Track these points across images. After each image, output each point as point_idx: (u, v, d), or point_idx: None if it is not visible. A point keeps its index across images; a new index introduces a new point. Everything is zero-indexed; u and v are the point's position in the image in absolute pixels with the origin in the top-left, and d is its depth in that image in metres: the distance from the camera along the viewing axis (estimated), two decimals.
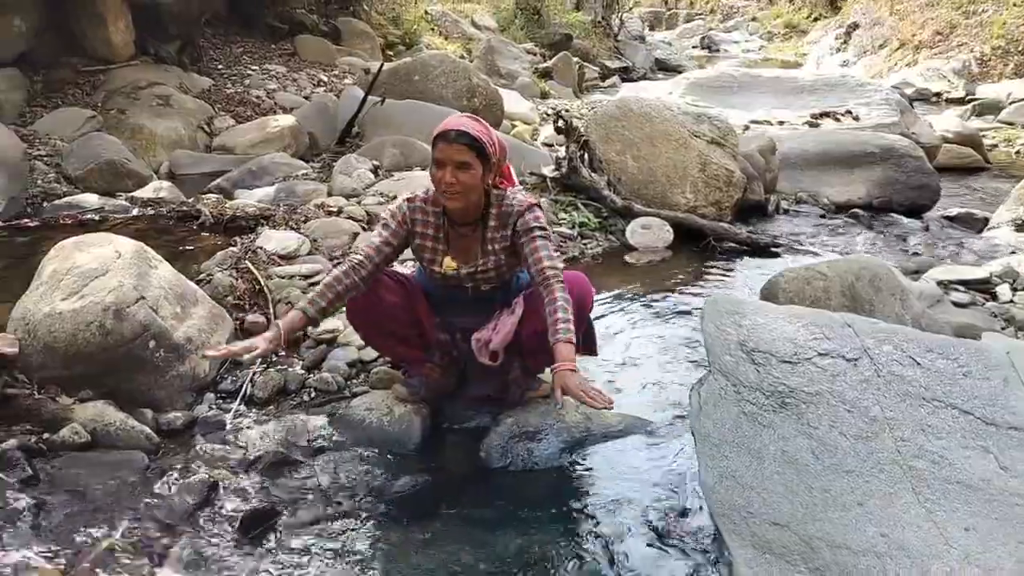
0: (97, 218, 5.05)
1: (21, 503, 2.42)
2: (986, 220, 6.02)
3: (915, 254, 5.34)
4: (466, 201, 2.67)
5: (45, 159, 6.16)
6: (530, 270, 2.69)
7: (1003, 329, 3.87)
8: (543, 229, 2.72)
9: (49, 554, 2.24)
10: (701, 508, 2.49)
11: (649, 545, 2.40)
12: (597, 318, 3.61)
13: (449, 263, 2.79)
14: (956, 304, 4.17)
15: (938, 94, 14.25)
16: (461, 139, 2.57)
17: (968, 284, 4.44)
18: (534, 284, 2.69)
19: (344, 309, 3.06)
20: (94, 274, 3.02)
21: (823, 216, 6.19)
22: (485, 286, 2.85)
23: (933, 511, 1.96)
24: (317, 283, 3.93)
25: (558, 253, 2.73)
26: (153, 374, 3.01)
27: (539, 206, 2.80)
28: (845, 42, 20.11)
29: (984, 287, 4.43)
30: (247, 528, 2.38)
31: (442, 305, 2.94)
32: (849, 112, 8.98)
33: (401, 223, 2.80)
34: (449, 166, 2.58)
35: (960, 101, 13.17)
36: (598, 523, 2.52)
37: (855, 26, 20.09)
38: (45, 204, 5.42)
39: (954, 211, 6.34)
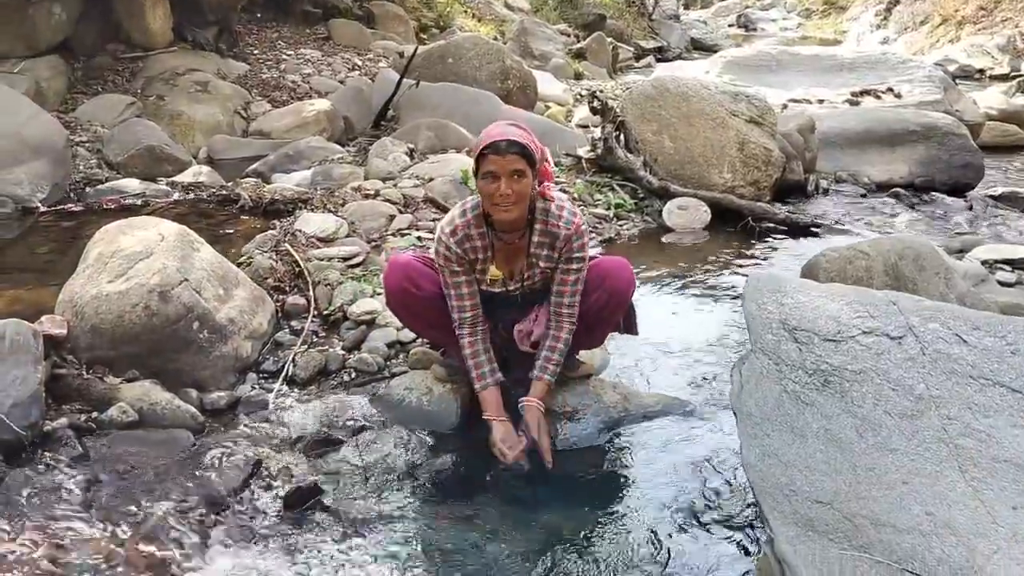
0: (139, 203, 5.13)
1: (72, 480, 2.48)
2: None
3: (959, 233, 5.25)
4: (521, 211, 2.59)
5: (87, 145, 6.27)
6: (552, 296, 2.76)
7: None
8: (581, 261, 2.70)
9: (100, 529, 2.29)
10: (742, 487, 2.49)
11: (689, 523, 2.41)
12: (635, 299, 3.59)
13: (495, 272, 2.75)
14: (1001, 283, 4.09)
15: (982, 71, 13.94)
16: (512, 148, 2.48)
17: (1014, 263, 4.35)
18: (550, 310, 2.79)
19: (383, 293, 3.07)
20: (139, 257, 3.07)
21: (864, 195, 6.09)
22: (531, 294, 2.84)
23: (980, 489, 1.93)
24: (356, 265, 3.99)
25: (574, 292, 2.76)
26: (197, 354, 3.06)
27: (587, 232, 2.76)
28: (886, 18, 19.71)
29: None
30: (291, 505, 2.42)
31: (486, 306, 2.85)
32: (890, 90, 8.81)
33: (459, 261, 2.70)
34: (504, 177, 2.48)
35: (1005, 77, 12.87)
36: (638, 501, 2.52)
37: (896, 2, 19.68)
38: (88, 189, 5.51)
39: (999, 190, 6.21)
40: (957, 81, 10.63)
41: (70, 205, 5.15)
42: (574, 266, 2.69)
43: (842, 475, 2.03)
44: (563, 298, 2.72)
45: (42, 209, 5.02)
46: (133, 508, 2.37)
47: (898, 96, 8.63)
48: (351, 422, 2.92)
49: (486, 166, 2.50)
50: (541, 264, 2.74)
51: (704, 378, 3.28)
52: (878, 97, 8.71)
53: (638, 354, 3.43)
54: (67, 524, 2.29)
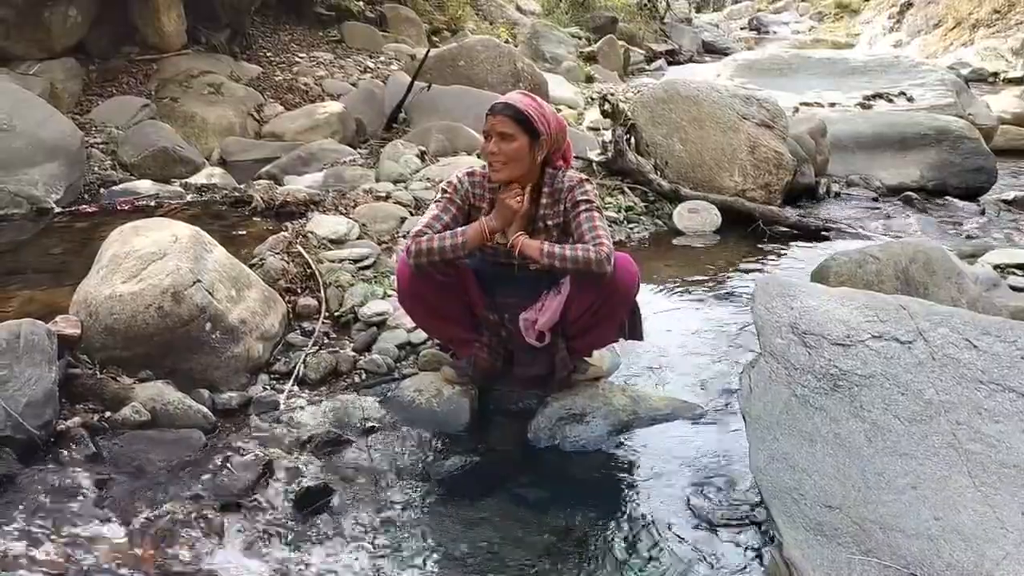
0: (152, 204, 5.16)
1: (86, 479, 2.51)
2: None
3: (971, 237, 5.23)
4: (509, 174, 2.71)
5: (101, 147, 6.32)
6: (575, 241, 2.73)
7: None
8: (589, 202, 2.75)
9: (112, 528, 2.31)
10: (750, 490, 2.49)
11: (697, 527, 2.41)
12: (644, 302, 3.60)
13: (500, 238, 2.81)
14: (1014, 288, 4.07)
15: (995, 74, 13.86)
16: (506, 111, 2.67)
17: None
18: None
19: (395, 292, 3.09)
20: (152, 258, 3.10)
21: (875, 199, 6.08)
22: (533, 264, 2.86)
23: (989, 495, 1.94)
24: (367, 267, 4.02)
25: (604, 224, 2.73)
26: (209, 355, 3.08)
27: (589, 181, 2.84)
28: (898, 22, 19.63)
29: None
30: (302, 505, 2.44)
31: (490, 283, 2.97)
32: (903, 93, 8.78)
33: (461, 195, 2.85)
34: (494, 136, 2.68)
35: (1019, 81, 12.81)
36: (646, 504, 2.52)
37: (909, 5, 19.59)
38: (102, 190, 5.55)
39: (1012, 194, 6.18)
40: (970, 84, 10.57)
41: (84, 206, 5.19)
42: (583, 206, 2.74)
43: (851, 479, 2.04)
44: (583, 238, 2.70)
45: (57, 210, 5.07)
46: (145, 507, 2.38)
47: (910, 100, 8.60)
48: (361, 423, 2.93)
49: (484, 125, 2.72)
50: (549, 223, 2.81)
51: (714, 381, 3.28)
52: (890, 101, 8.68)
53: (648, 357, 3.44)
54: (80, 523, 2.32)
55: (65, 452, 2.62)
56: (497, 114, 2.68)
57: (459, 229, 2.73)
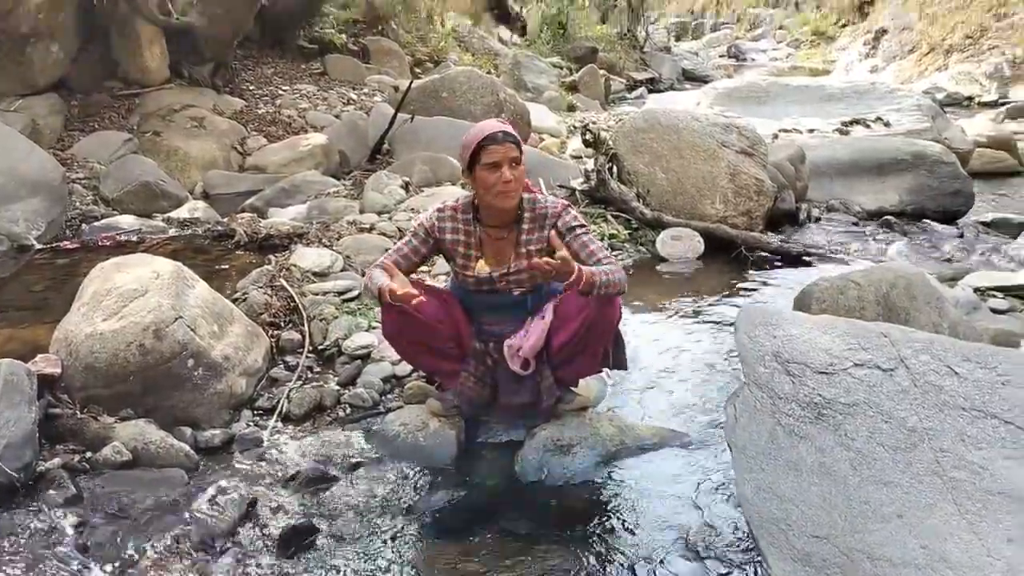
0: (135, 239, 5.15)
1: (66, 521, 2.47)
2: (1022, 225, 5.93)
3: (950, 261, 5.27)
4: (518, 199, 2.78)
5: (83, 182, 6.29)
6: (587, 263, 2.73)
7: None
8: (583, 226, 2.82)
9: (94, 572, 2.28)
10: (738, 521, 2.48)
11: (685, 559, 2.39)
12: (629, 330, 3.61)
13: (482, 266, 2.86)
14: (994, 311, 4.11)
15: (970, 98, 14.09)
16: (509, 138, 2.71)
17: (1006, 290, 4.37)
18: None
19: (379, 325, 3.09)
20: (134, 295, 3.08)
21: (855, 224, 6.12)
22: (517, 289, 2.88)
23: (975, 522, 1.94)
24: (351, 299, 4.01)
25: (603, 244, 2.78)
26: (192, 392, 3.06)
27: (572, 206, 2.90)
28: (874, 48, 19.95)
29: (1022, 293, 4.35)
30: (286, 544, 2.41)
31: (474, 311, 2.98)
32: (880, 119, 8.89)
33: (430, 231, 2.89)
34: (505, 165, 2.68)
35: (993, 104, 13.01)
36: (634, 536, 2.51)
37: (883, 31, 19.93)
38: (84, 226, 5.53)
39: (989, 216, 6.24)
40: (946, 109, 10.74)
41: (66, 242, 5.17)
42: (579, 230, 2.81)
43: (837, 509, 2.04)
44: (595, 256, 2.75)
45: (38, 246, 5.04)
46: (127, 550, 2.35)
47: (887, 125, 8.71)
48: (346, 459, 2.91)
49: (488, 157, 2.68)
50: (533, 248, 2.83)
51: (700, 408, 3.28)
52: (867, 126, 8.78)
53: (634, 385, 3.44)
54: (60, 567, 2.28)
55: (45, 494, 2.58)
56: (502, 142, 2.68)
57: (382, 282, 2.72)
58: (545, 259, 2.55)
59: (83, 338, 2.97)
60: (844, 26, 25.25)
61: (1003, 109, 11.85)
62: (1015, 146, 8.63)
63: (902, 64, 17.72)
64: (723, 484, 2.69)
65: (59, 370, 2.97)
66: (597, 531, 2.56)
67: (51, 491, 2.60)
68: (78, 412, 2.93)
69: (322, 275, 4.32)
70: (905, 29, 18.70)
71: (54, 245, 5.11)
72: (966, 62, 15.39)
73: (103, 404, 2.97)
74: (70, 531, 2.43)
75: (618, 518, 2.63)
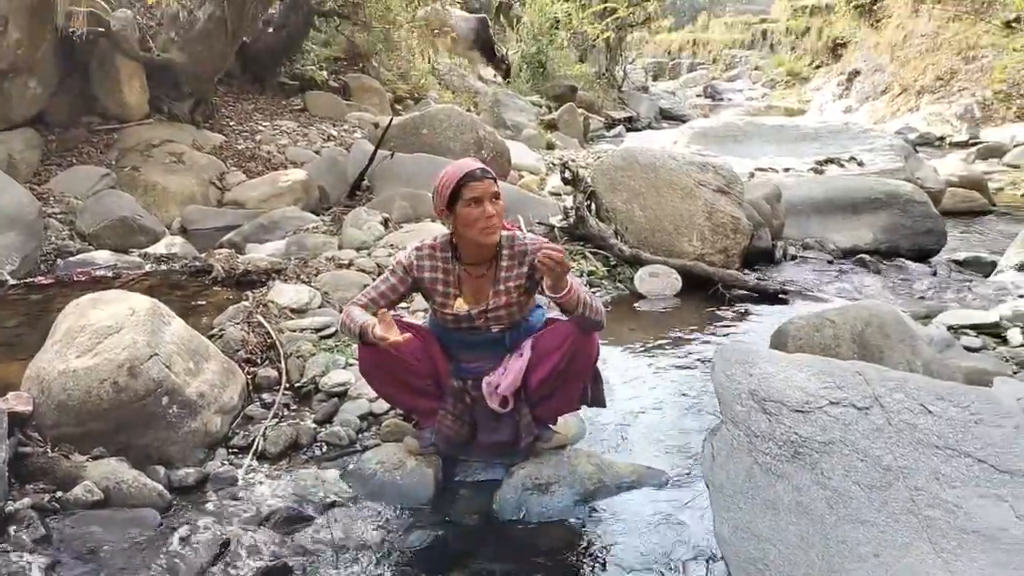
0: (110, 274, 5.11)
1: (35, 563, 2.42)
2: (994, 264, 6.02)
3: (923, 298, 5.34)
4: (499, 234, 2.78)
5: (59, 216, 6.26)
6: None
7: (1015, 374, 3.85)
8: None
9: None
10: (716, 560, 2.47)
11: None
12: (608, 367, 3.61)
13: (460, 304, 2.86)
14: (967, 348, 4.15)
15: (941, 138, 14.40)
16: (488, 174, 2.73)
17: (978, 328, 4.42)
18: None
19: (356, 362, 3.07)
20: (108, 331, 3.05)
21: (830, 262, 6.20)
22: (495, 327, 2.88)
23: (950, 561, 1.95)
24: (328, 336, 3.99)
25: (582, 281, 2.78)
26: (166, 430, 3.02)
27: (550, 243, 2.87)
28: (847, 88, 20.37)
29: (994, 331, 4.41)
30: None
31: (452, 349, 2.98)
32: (853, 158, 9.04)
33: (408, 269, 2.89)
34: (487, 200, 2.69)
35: (964, 145, 13.29)
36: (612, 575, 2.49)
37: (856, 73, 20.37)
38: (59, 261, 5.49)
39: (962, 255, 6.34)
40: (918, 149, 10.94)
41: (40, 277, 5.12)
42: None
43: (815, 548, 2.04)
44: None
45: (12, 282, 4.99)
46: None
47: (861, 164, 8.86)
48: (322, 498, 2.88)
49: (469, 193, 2.69)
50: (512, 284, 2.83)
51: (678, 446, 3.28)
52: (841, 165, 8.93)
53: (613, 423, 3.43)
54: None
55: (14, 535, 2.53)
56: (482, 179, 2.70)
57: (363, 319, 2.73)
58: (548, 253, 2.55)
59: (56, 375, 2.93)
60: (818, 67, 25.80)
61: (974, 149, 12.12)
62: (986, 186, 8.82)
63: (875, 105, 18.09)
64: (701, 522, 2.68)
65: (31, 408, 2.93)
66: (575, 570, 2.54)
67: (20, 532, 2.54)
68: (49, 450, 2.88)
69: (300, 311, 4.30)
70: (877, 71, 19.13)
71: (28, 280, 5.06)
72: (937, 103, 15.75)
73: (75, 442, 2.93)
74: (39, 573, 2.38)
75: (596, 558, 2.61)
